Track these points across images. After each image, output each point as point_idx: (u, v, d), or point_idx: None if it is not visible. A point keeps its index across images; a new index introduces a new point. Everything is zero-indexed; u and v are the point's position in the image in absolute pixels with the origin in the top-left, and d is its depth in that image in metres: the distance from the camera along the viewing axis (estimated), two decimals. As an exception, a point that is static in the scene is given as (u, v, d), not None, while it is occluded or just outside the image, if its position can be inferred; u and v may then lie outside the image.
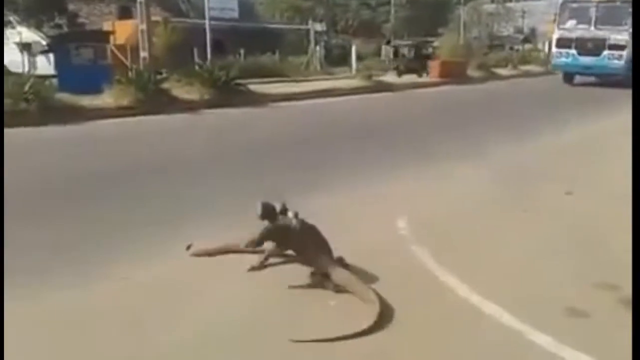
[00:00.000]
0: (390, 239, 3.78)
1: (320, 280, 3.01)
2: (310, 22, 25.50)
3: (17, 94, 8.92)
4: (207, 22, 16.29)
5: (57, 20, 21.21)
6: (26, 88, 9.06)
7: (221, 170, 5.86)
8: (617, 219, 4.18)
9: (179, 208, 4.51)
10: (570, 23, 17.79)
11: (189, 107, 10.88)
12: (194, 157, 6.66)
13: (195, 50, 17.68)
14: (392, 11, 25.99)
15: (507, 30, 37.46)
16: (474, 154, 6.72)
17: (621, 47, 16.51)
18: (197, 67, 13.19)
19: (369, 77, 16.61)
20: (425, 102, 14.16)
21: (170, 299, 2.93)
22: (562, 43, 17.90)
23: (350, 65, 21.06)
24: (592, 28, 17.13)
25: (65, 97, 9.86)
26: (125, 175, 5.63)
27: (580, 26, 17.46)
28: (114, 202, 4.70)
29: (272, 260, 3.33)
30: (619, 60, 16.59)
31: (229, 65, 13.69)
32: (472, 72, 21.12)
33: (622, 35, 16.45)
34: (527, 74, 23.95)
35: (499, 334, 2.59)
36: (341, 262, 3.13)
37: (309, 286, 3.00)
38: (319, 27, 25.15)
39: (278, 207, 3.22)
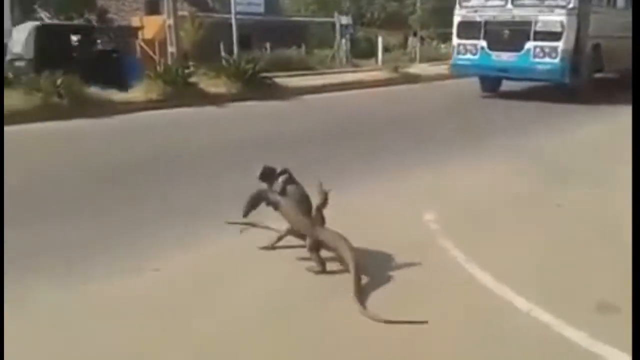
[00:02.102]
0: (419, 232, 3.77)
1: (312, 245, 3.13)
2: (335, 15, 25.39)
3: (49, 89, 9.11)
4: (233, 16, 16.36)
5: (87, 16, 21.54)
6: (58, 82, 9.24)
7: (249, 162, 5.89)
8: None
9: (209, 197, 4.58)
10: None
11: (217, 100, 10.96)
12: (222, 147, 6.71)
13: (222, 45, 17.80)
14: (419, 2, 25.67)
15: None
16: (501, 147, 6.64)
17: (554, 36, 10.19)
18: (223, 61, 13.27)
19: (396, 69, 16.49)
20: (452, 93, 13.97)
21: (192, 290, 2.98)
22: (466, 31, 11.19)
23: (376, 58, 20.95)
24: (509, 5, 10.55)
25: (95, 91, 10.03)
26: (157, 166, 5.73)
27: (492, 2, 10.83)
28: (147, 192, 4.78)
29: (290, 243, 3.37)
30: (551, 58, 10.25)
31: (255, 58, 13.73)
32: (500, 63, 20.79)
33: (556, 16, 10.15)
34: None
35: (530, 328, 2.57)
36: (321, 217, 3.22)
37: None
38: (345, 20, 24.98)
39: (278, 170, 3.35)
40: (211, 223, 3.88)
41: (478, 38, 10.96)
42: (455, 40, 11.59)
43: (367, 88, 14.07)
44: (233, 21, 16.05)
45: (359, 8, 36.15)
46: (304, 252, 3.22)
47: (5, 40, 12.11)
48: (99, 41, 12.88)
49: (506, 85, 12.14)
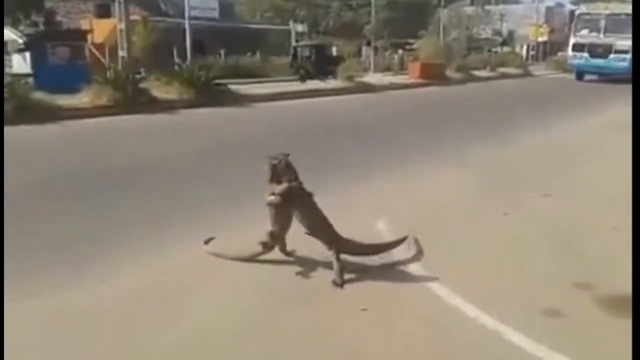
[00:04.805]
0: (370, 240, 3.78)
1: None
2: (291, 23, 25.48)
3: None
4: (187, 21, 16.17)
5: (34, 18, 20.83)
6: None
7: (200, 171, 5.82)
8: (593, 219, 4.26)
9: (158, 208, 4.47)
10: (584, 32, 21.38)
11: (168, 107, 10.79)
12: (171, 156, 6.59)
13: (175, 50, 17.55)
14: (373, 13, 26.04)
15: (485, 33, 37.84)
16: (453, 154, 6.77)
17: (625, 52, 18.99)
18: (176, 67, 13.08)
19: (350, 77, 16.64)
20: (406, 102, 14.23)
21: (165, 299, 2.91)
22: (577, 47, 21.25)
23: (331, 66, 21.08)
24: (601, 36, 20.60)
25: (41, 96, 9.70)
26: (104, 174, 5.57)
27: (592, 34, 20.91)
28: (94, 201, 4.63)
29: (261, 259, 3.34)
30: (622, 62, 19.13)
31: (208, 65, 13.64)
32: (451, 73, 21.29)
33: (626, 41, 18.61)
34: (505, 76, 24.23)
35: (477, 334, 2.61)
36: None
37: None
38: (300, 28, 25.18)
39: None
40: (164, 234, 3.79)
41: (583, 51, 21.02)
42: (570, 52, 22.08)
43: (322, 97, 14.14)
44: (187, 26, 15.88)
45: (315, 16, 36.38)
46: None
47: None
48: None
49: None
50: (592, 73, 21.13)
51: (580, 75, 21.62)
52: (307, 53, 20.46)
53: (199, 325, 2.63)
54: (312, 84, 16.04)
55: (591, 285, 3.05)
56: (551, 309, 2.82)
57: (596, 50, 20.41)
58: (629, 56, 18.74)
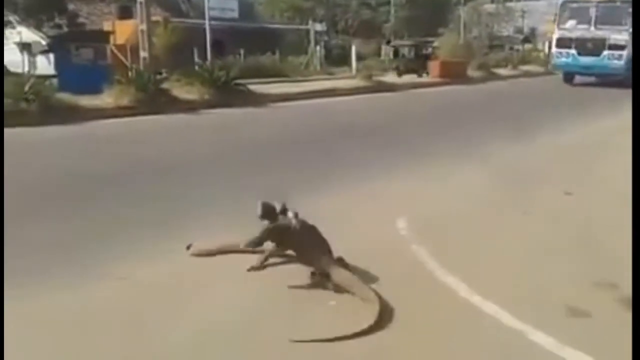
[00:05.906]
0: (391, 239, 3.78)
1: (321, 280, 3.00)
2: (310, 22, 25.51)
3: (17, 94, 8.93)
4: (207, 22, 16.30)
5: (57, 20, 21.18)
6: (26, 88, 9.06)
7: (221, 170, 5.86)
8: (615, 218, 4.19)
9: (179, 208, 4.50)
10: (570, 23, 17.31)
11: (189, 107, 10.87)
12: (193, 156, 6.65)
13: (195, 51, 17.68)
14: (392, 11, 26.03)
15: (507, 30, 37.44)
16: (474, 154, 6.72)
17: (621, 47, 16.06)
18: (197, 67, 13.19)
19: (369, 77, 16.60)
20: (426, 102, 14.16)
21: (169, 299, 2.92)
22: (562, 43, 17.47)
23: (350, 66, 21.07)
24: (592, 28, 16.69)
25: (65, 97, 9.86)
26: (126, 175, 5.63)
27: (580, 26, 16.95)
28: (114, 201, 4.69)
29: (272, 260, 3.33)
30: (618, 60, 16.15)
31: (228, 65, 13.70)
32: (472, 72, 21.12)
33: (623, 35, 16.04)
34: (527, 74, 23.97)
35: (499, 334, 2.59)
36: (341, 262, 3.11)
37: (309, 286, 2.99)
38: (319, 27, 25.19)
39: (278, 207, 3.23)
40: (180, 233, 3.82)
41: (570, 47, 17.04)
42: (554, 49, 18.06)
43: (341, 96, 14.13)
44: (207, 27, 16.01)
45: (334, 15, 36.36)
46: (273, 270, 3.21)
47: None
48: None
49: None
50: (582, 74, 17.50)
51: (568, 77, 17.87)
52: (405, 51, 22.50)
53: (204, 326, 2.63)
54: (330, 83, 16.04)
55: (614, 284, 3.01)
56: (574, 308, 2.79)
57: (586, 46, 16.60)
58: (625, 53, 15.84)
